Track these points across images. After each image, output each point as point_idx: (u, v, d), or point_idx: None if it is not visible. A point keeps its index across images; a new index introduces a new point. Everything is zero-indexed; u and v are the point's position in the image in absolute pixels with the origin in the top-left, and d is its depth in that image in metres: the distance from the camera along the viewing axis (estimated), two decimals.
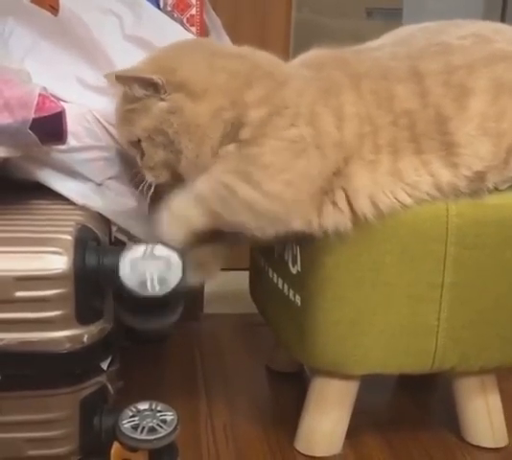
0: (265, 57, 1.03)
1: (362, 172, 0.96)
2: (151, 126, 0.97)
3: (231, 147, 0.97)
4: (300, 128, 0.94)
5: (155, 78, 0.95)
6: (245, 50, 1.04)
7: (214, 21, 1.35)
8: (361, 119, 0.96)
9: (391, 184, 0.97)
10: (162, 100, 0.97)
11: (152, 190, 1.02)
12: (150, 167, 1.01)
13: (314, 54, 1.05)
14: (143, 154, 1.01)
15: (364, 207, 0.96)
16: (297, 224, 0.96)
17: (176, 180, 1.01)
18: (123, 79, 0.97)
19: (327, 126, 0.95)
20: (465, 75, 0.98)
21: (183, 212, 0.97)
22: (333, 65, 1.00)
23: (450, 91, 0.97)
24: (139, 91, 0.97)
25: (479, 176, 0.98)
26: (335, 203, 0.97)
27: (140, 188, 1.03)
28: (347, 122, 0.96)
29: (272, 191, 0.93)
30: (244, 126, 0.95)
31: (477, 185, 0.99)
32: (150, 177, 1.01)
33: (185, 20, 1.31)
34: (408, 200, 0.98)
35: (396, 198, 0.97)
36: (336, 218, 0.97)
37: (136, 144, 1.01)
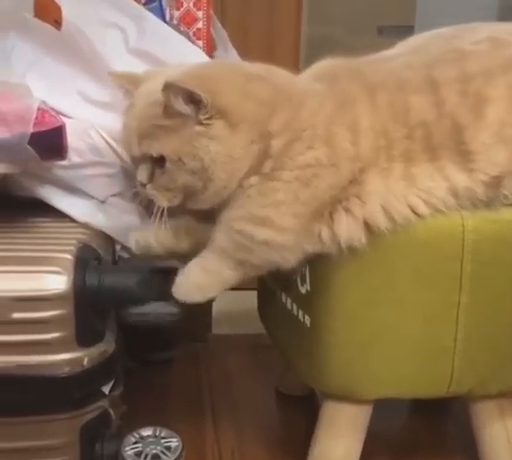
0: (282, 77, 0.99)
1: (376, 179, 0.94)
2: (184, 150, 0.91)
3: (254, 179, 0.94)
4: (317, 150, 0.92)
5: (204, 96, 0.89)
6: (264, 70, 0.99)
7: (221, 35, 1.34)
8: (377, 133, 0.94)
9: (404, 189, 0.94)
10: (200, 123, 0.91)
11: (165, 214, 0.96)
12: (167, 188, 0.95)
13: (326, 64, 1.03)
14: (153, 173, 0.95)
15: (376, 214, 0.93)
16: (309, 246, 0.95)
17: (189, 203, 0.97)
18: (173, 87, 0.89)
19: (343, 143, 0.93)
20: (482, 83, 0.95)
21: (212, 267, 0.97)
22: (347, 77, 0.98)
23: (466, 100, 0.95)
24: (182, 106, 0.90)
25: (496, 182, 0.95)
26: (347, 209, 0.94)
27: (155, 213, 0.97)
28: (363, 136, 0.94)
29: (284, 225, 0.93)
30: (267, 159, 0.93)
31: (494, 192, 0.96)
32: (162, 200, 0.96)
33: (192, 34, 1.30)
34: (423, 208, 0.94)
35: (409, 205, 0.94)
36: (349, 228, 0.94)
37: (150, 159, 0.95)
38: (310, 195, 0.93)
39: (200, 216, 1.01)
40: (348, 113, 0.94)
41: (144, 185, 0.96)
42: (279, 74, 0.99)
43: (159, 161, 0.94)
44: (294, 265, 0.97)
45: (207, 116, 0.90)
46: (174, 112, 0.91)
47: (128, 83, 1.01)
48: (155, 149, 0.93)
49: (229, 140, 0.91)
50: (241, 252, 0.95)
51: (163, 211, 0.96)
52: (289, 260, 0.96)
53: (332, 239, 0.95)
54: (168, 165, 0.93)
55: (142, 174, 0.96)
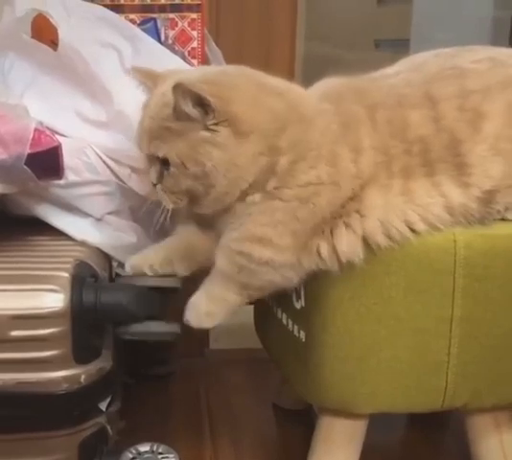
0: (298, 94, 1.00)
1: (376, 194, 0.95)
2: (187, 155, 0.92)
3: (257, 197, 0.95)
4: (319, 169, 0.93)
5: (212, 101, 0.89)
6: (282, 84, 1.00)
7: (215, 54, 1.35)
8: (377, 150, 0.96)
9: (402, 204, 0.95)
10: (206, 128, 0.91)
11: (169, 215, 0.97)
12: (172, 192, 0.96)
13: (329, 83, 1.04)
14: (161, 174, 0.96)
15: (375, 230, 0.95)
16: (306, 262, 0.96)
17: (192, 207, 0.98)
18: (181, 89, 0.89)
19: (345, 162, 0.94)
20: (480, 98, 0.97)
21: (217, 294, 0.98)
22: (350, 97, 0.99)
23: (464, 115, 0.97)
24: (190, 108, 0.90)
25: (489, 197, 0.97)
26: (348, 225, 0.95)
27: (160, 213, 0.98)
28: (364, 154, 0.95)
29: (282, 244, 0.94)
30: (272, 176, 0.93)
31: (487, 208, 0.98)
32: (168, 203, 0.97)
33: (187, 53, 1.31)
34: (420, 224, 0.96)
35: (407, 221, 0.95)
36: (349, 243, 0.95)
37: (158, 160, 0.95)
38: (308, 212, 0.93)
39: (205, 222, 1.02)
40: (351, 134, 0.96)
41: (154, 185, 0.97)
42: (296, 91, 1.00)
43: (166, 163, 0.94)
44: (297, 284, 0.98)
45: (214, 121, 0.90)
46: (182, 115, 0.91)
47: (148, 80, 1.00)
48: (162, 151, 0.94)
49: (235, 149, 0.91)
50: (243, 274, 0.96)
51: (167, 212, 0.97)
52: (290, 278, 0.96)
53: (331, 254, 0.95)
54: (171, 168, 0.94)
55: (152, 174, 0.97)
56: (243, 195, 0.95)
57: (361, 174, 0.94)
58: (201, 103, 0.89)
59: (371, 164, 0.95)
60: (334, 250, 0.95)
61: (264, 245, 0.93)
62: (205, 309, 0.99)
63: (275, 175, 0.93)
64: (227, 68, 1.03)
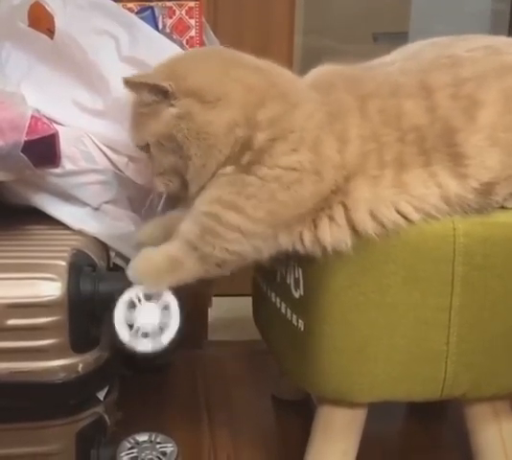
0: (283, 76, 1.00)
1: (363, 187, 0.94)
2: (159, 131, 0.95)
3: (229, 169, 0.95)
4: (301, 154, 0.93)
5: (165, 84, 0.93)
6: (265, 64, 1.01)
7: (213, 43, 1.34)
8: (365, 138, 0.95)
9: (393, 196, 0.94)
10: (172, 105, 0.94)
11: (163, 200, 0.99)
12: (159, 173, 0.98)
13: (323, 72, 1.04)
14: (152, 160, 0.98)
15: (364, 220, 0.94)
16: (284, 240, 0.95)
17: (186, 190, 0.98)
18: (132, 84, 0.95)
19: (329, 151, 0.94)
20: (475, 87, 0.96)
21: (176, 254, 0.94)
22: (342, 86, 0.99)
23: (459, 103, 0.96)
24: (148, 97, 0.95)
25: (488, 189, 0.96)
26: (331, 217, 0.95)
27: (150, 198, 1.01)
28: (350, 144, 0.94)
29: (256, 216, 0.93)
30: (247, 150, 0.94)
31: (486, 199, 0.97)
32: (160, 185, 0.99)
33: (184, 42, 1.31)
34: (414, 214, 0.95)
35: (399, 211, 0.94)
36: (333, 234, 0.94)
37: (146, 149, 0.98)
38: (290, 198, 0.93)
39: None
40: (338, 124, 0.95)
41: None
42: (283, 73, 1.01)
43: (148, 148, 0.97)
44: (266, 259, 0.96)
45: (177, 100, 0.94)
46: (146, 103, 0.95)
47: None
48: (143, 139, 0.97)
49: (202, 116, 0.93)
50: (207, 240, 0.93)
51: (161, 197, 1.00)
52: (261, 250, 0.94)
53: (314, 242, 0.95)
54: (151, 149, 0.97)
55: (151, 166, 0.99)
56: (218, 168, 0.95)
57: (346, 165, 0.94)
58: (157, 89, 0.94)
59: (358, 154, 0.94)
60: (317, 240, 0.95)
61: (235, 211, 0.92)
62: (156, 264, 0.94)
63: (251, 150, 0.93)
64: (198, 48, 1.05)
